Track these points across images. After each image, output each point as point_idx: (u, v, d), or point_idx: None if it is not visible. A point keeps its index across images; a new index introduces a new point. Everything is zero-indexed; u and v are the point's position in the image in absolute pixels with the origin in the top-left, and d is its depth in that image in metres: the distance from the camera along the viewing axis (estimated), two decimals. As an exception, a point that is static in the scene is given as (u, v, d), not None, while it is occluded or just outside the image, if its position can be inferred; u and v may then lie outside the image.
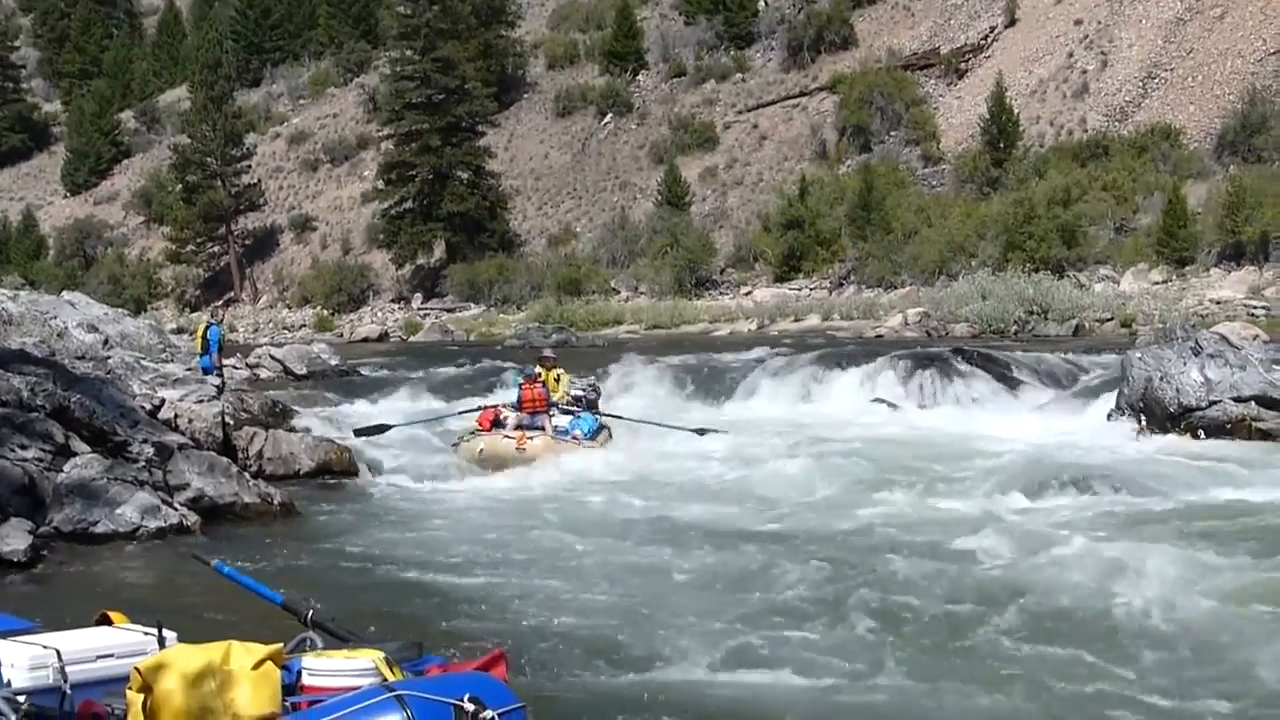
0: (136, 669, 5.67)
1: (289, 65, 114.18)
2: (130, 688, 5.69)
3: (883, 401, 29.04)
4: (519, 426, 22.79)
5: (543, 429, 22.74)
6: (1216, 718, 8.74)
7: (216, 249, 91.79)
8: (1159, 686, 9.42)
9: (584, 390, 25.68)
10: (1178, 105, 67.82)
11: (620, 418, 25.18)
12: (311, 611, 6.96)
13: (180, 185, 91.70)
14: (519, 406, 23.25)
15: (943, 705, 9.03)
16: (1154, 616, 11.19)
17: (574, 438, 22.93)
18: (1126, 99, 70.03)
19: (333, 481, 20.65)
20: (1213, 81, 67.64)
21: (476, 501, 19.09)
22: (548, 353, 26.14)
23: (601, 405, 25.88)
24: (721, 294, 69.16)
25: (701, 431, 24.42)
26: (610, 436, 24.08)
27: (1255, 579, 12.38)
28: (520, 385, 23.96)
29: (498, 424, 23.09)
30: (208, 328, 29.80)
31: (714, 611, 11.41)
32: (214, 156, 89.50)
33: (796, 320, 58.06)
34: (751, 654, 10.05)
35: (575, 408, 24.20)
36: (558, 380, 24.28)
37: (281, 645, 6.00)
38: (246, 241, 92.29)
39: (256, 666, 5.68)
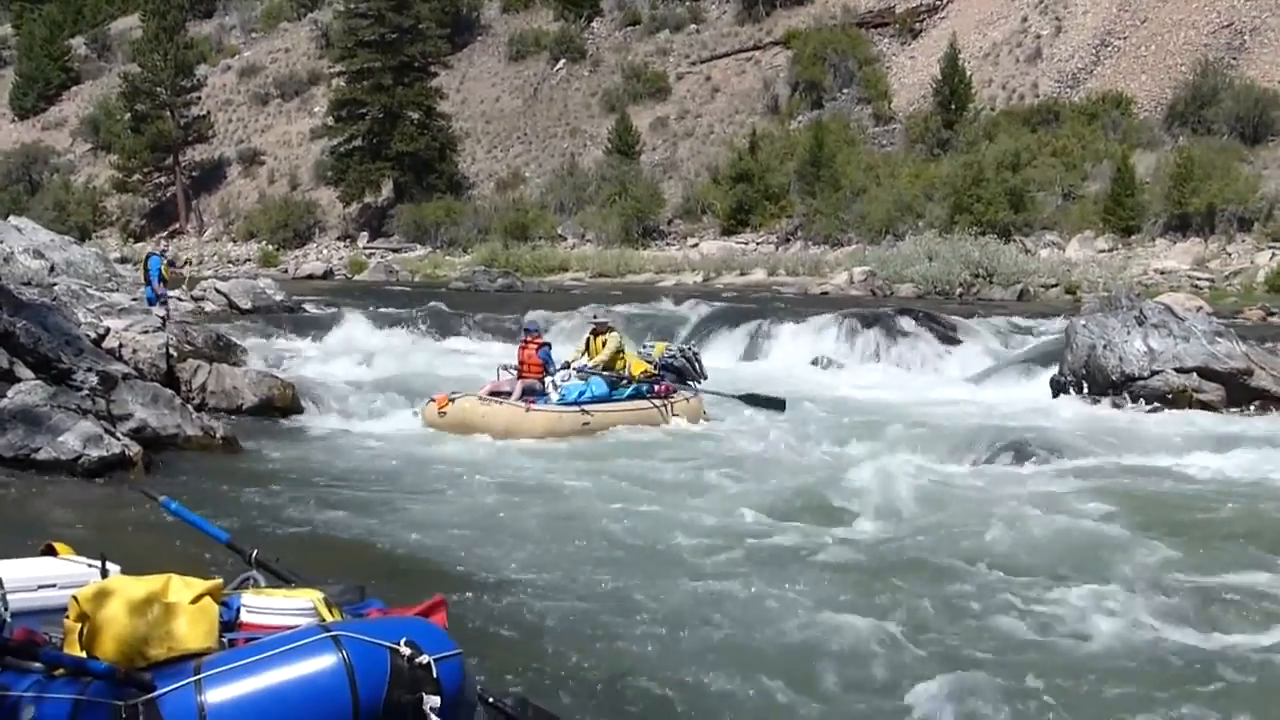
0: (74, 597, 5.65)
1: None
2: (68, 616, 5.68)
3: (825, 360, 29.08)
4: (494, 393, 20.42)
5: (533, 396, 20.45)
6: (1145, 684, 8.81)
7: (163, 179, 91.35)
8: (1087, 650, 9.50)
9: (671, 354, 22.93)
10: (1129, 74, 68.06)
11: (696, 390, 22.48)
12: (256, 551, 6.94)
13: (129, 114, 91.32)
14: (519, 370, 21.18)
15: (871, 667, 9.07)
16: (1087, 581, 11.28)
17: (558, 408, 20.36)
18: (1079, 65, 70.25)
19: (277, 418, 20.60)
20: (1165, 52, 67.90)
21: (420, 444, 19.07)
22: (601, 319, 23.54)
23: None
24: (668, 245, 69.22)
25: (782, 405, 22.18)
26: (667, 412, 21.40)
27: (1186, 545, 12.49)
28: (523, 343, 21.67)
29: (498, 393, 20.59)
30: (148, 258, 29.70)
31: (654, 570, 11.43)
32: (164, 87, 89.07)
33: (742, 274, 58.22)
34: (688, 609, 10.06)
35: (656, 377, 21.88)
36: (604, 346, 21.87)
37: (220, 581, 5.98)
38: (193, 173, 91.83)
39: (195, 601, 5.66)
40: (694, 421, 21.60)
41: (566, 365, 21.59)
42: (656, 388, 21.76)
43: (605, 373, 21.45)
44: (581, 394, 20.86)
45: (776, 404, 22.20)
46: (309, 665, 5.52)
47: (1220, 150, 57.39)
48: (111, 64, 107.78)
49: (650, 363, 22.30)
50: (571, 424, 20.19)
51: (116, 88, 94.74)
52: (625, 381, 21.57)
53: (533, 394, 20.61)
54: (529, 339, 21.45)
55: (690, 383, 22.74)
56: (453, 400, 19.96)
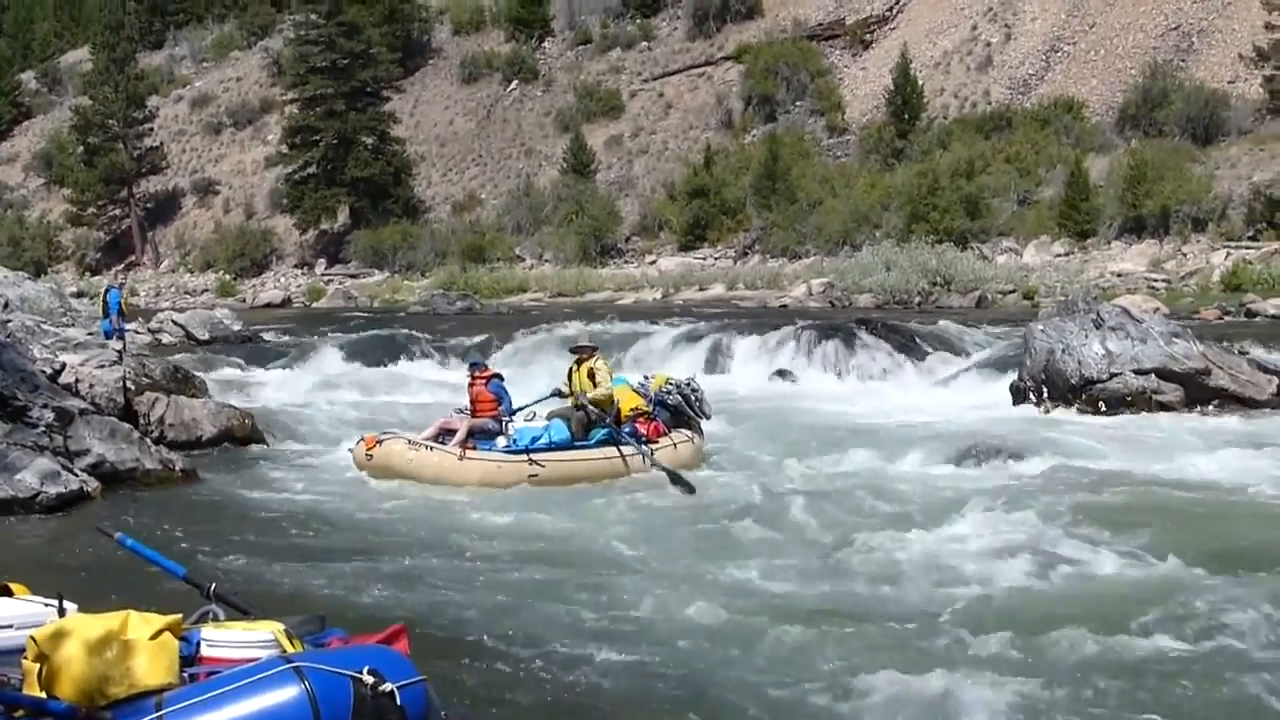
0: (32, 638, 5.62)
1: (192, 27, 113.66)
2: (26, 657, 5.64)
3: (785, 374, 29.11)
4: (444, 432, 18.11)
5: (491, 437, 18.08)
6: (1110, 685, 8.83)
7: (118, 212, 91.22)
8: (1051, 649, 9.52)
9: (667, 390, 19.68)
10: (1080, 79, 68.51)
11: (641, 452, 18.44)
12: (214, 584, 6.91)
13: (81, 147, 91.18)
14: (471, 409, 18.62)
15: (832, 673, 9.08)
16: (1048, 584, 11.33)
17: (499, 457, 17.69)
18: (1030, 72, 70.69)
19: (236, 449, 20.48)
20: (1115, 55, 68.38)
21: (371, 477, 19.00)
22: (584, 342, 19.87)
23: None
24: (626, 262, 69.29)
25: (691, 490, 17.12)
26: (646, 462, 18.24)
27: (1149, 545, 12.53)
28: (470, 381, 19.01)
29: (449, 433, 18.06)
30: (107, 291, 29.64)
31: (615, 592, 11.41)
32: (116, 119, 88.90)
33: (701, 289, 58.33)
34: (649, 635, 10.05)
35: (645, 412, 19.10)
36: (591, 377, 18.82)
37: (180, 616, 5.96)
38: (148, 205, 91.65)
39: (154, 637, 5.63)
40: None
41: (558, 392, 19.19)
42: (642, 429, 18.73)
43: (592, 409, 18.49)
44: (536, 439, 18.12)
45: (687, 487, 17.15)
46: (271, 697, 5.50)
47: (1172, 151, 57.70)
48: (62, 97, 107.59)
49: (644, 397, 19.34)
50: (514, 475, 17.37)
51: (68, 121, 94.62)
52: (609, 421, 18.59)
53: (487, 435, 18.10)
54: (475, 374, 18.91)
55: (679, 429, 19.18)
56: (380, 442, 17.47)
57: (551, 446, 18.12)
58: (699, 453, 19.29)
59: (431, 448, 17.50)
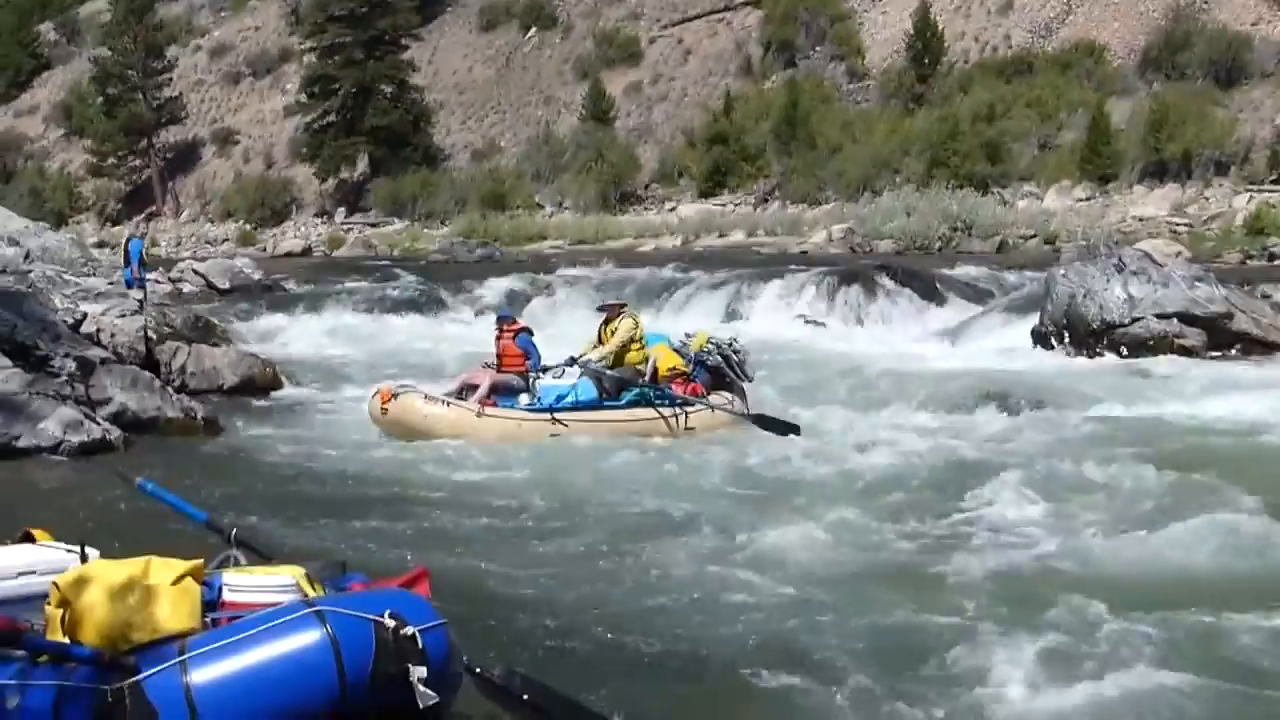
0: (55, 584, 5.65)
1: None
2: (49, 603, 5.66)
3: (807, 319, 29.07)
4: (466, 387, 17.36)
5: (515, 394, 17.29)
6: (1130, 629, 8.80)
7: (138, 163, 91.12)
8: (1080, 600, 9.47)
9: (707, 350, 18.48)
10: (1102, 22, 67.97)
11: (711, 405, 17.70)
12: (235, 529, 6.94)
13: (101, 98, 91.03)
14: (498, 364, 17.78)
15: (858, 628, 9.05)
16: (1078, 530, 11.29)
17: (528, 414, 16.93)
18: (1051, 15, 70.12)
19: (258, 397, 20.51)
20: (1137, -2, 67.80)
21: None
22: (612, 299, 19.72)
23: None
24: (646, 209, 69.15)
25: (797, 430, 16.71)
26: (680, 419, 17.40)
27: (1174, 490, 12.49)
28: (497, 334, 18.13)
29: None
30: (128, 241, 29.67)
31: (640, 541, 11.37)
32: (135, 69, 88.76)
33: (721, 236, 58.22)
34: (674, 580, 10.00)
35: (684, 373, 17.96)
36: (614, 334, 17.99)
37: (201, 561, 5.98)
38: (168, 155, 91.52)
39: (176, 582, 5.66)
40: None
41: (573, 361, 17.79)
42: (678, 390, 17.68)
43: (611, 370, 17.65)
44: (561, 398, 17.26)
45: (792, 429, 16.74)
46: (293, 641, 5.53)
47: (1195, 95, 57.46)
48: (81, 49, 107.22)
49: (684, 357, 18.20)
50: (534, 435, 16.51)
51: (87, 72, 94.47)
52: (644, 380, 17.64)
53: (511, 391, 17.31)
54: (504, 327, 17.97)
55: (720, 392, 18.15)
56: (395, 396, 16.63)
57: (578, 406, 17.21)
58: (729, 418, 17.77)
59: (449, 403, 16.69)
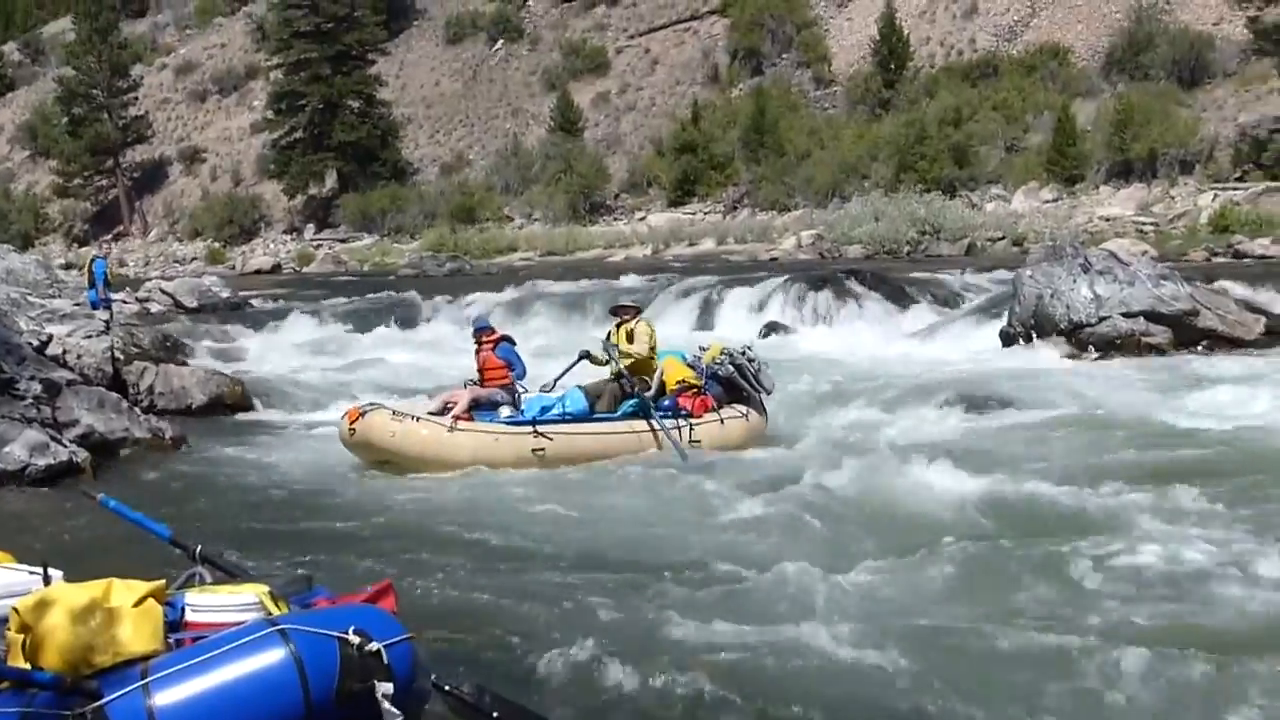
0: (14, 608, 5.60)
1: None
2: (9, 628, 5.62)
3: (777, 325, 29.09)
4: (444, 410, 15.86)
5: (498, 409, 16.03)
6: (1100, 620, 8.84)
7: (104, 182, 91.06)
8: (1045, 591, 9.52)
9: (719, 361, 17.39)
10: (1065, 24, 68.37)
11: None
12: (200, 546, 6.90)
13: (66, 118, 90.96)
14: (480, 379, 16.64)
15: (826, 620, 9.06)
16: (1038, 521, 11.33)
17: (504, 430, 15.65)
18: (1015, 18, 70.51)
19: (227, 416, 20.44)
20: (1100, 0, 68.12)
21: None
22: (625, 300, 18.47)
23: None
24: (616, 219, 69.30)
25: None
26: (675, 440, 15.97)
27: (1141, 480, 12.55)
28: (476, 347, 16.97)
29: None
30: (92, 261, 29.60)
31: (600, 551, 11.37)
32: (100, 88, 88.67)
33: (691, 244, 58.40)
34: (639, 598, 9.96)
35: (694, 386, 16.86)
36: (631, 340, 16.92)
37: (164, 582, 5.94)
38: (135, 174, 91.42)
39: (138, 603, 5.61)
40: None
41: (587, 355, 16.85)
42: (685, 403, 16.60)
43: (628, 379, 16.45)
44: (547, 409, 16.09)
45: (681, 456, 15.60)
46: (257, 661, 5.49)
47: (1158, 95, 57.84)
48: (45, 68, 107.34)
49: (694, 369, 17.13)
50: (513, 450, 15.37)
51: (52, 92, 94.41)
52: (652, 391, 16.54)
53: (494, 406, 16.05)
54: (482, 338, 16.80)
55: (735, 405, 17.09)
56: (363, 414, 15.33)
57: (565, 419, 16.02)
58: (752, 432, 16.94)
59: (418, 419, 15.40)
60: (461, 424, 15.43)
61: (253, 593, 6.01)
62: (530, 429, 15.59)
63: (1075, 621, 8.86)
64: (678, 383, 16.75)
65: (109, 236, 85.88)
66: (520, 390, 16.45)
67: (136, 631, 5.56)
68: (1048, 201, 55.01)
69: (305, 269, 66.51)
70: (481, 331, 16.95)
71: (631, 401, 16.36)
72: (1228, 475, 12.96)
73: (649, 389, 16.51)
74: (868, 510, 12.18)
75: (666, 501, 13.42)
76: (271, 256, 72.40)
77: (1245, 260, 36.91)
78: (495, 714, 6.27)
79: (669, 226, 63.41)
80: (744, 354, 17.49)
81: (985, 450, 14.91)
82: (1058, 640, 8.47)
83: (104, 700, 5.32)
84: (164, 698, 5.35)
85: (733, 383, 17.13)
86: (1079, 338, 22.68)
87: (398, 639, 5.81)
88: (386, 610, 6.15)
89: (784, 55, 76.91)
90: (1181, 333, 22.53)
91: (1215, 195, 49.92)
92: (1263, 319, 23.36)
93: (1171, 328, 22.51)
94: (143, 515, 7.32)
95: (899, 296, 30.02)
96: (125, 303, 34.98)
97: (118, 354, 20.17)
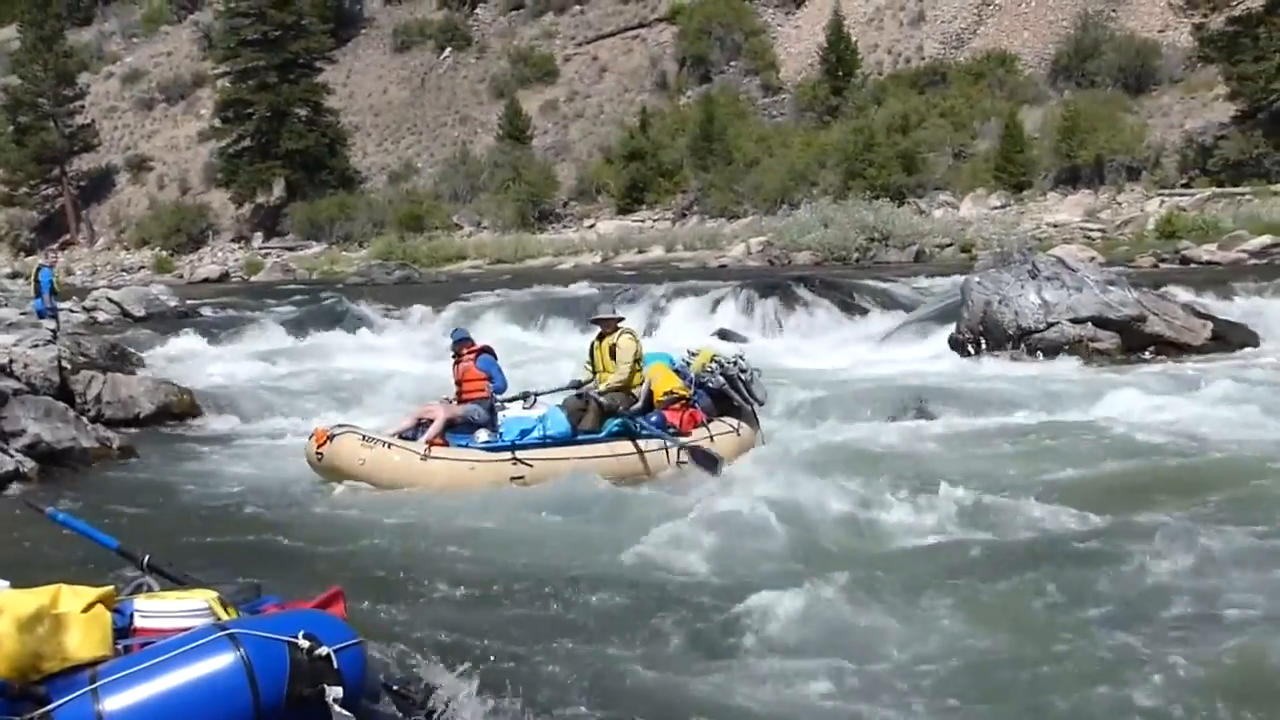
0: (-40, 617, 5.58)
1: (121, 2, 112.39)
2: (-44, 636, 5.59)
3: (726, 333, 29.09)
4: (421, 423, 15.20)
5: (475, 428, 15.21)
6: (1051, 623, 8.90)
7: (51, 191, 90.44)
8: (995, 591, 9.58)
9: (710, 370, 16.53)
10: (1012, 31, 68.76)
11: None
12: (148, 555, 6.88)
13: (12, 127, 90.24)
14: (457, 395, 15.73)
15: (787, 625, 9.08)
16: (992, 529, 11.39)
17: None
18: (962, 26, 70.87)
19: (175, 425, 20.31)
20: (1046, 7, 68.67)
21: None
22: (604, 311, 16.74)
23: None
24: (565, 227, 69.39)
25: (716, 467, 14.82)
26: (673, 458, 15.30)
27: (1089, 486, 12.68)
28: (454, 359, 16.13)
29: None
30: (38, 270, 29.41)
31: (553, 553, 11.39)
32: (46, 97, 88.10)
33: (640, 252, 58.41)
34: (591, 596, 9.98)
35: (680, 398, 15.94)
36: (613, 356, 15.98)
37: (113, 588, 5.94)
38: (82, 183, 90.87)
39: (86, 609, 5.61)
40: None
41: (578, 385, 16.01)
42: (673, 419, 15.72)
43: (603, 399, 15.61)
44: (526, 432, 15.22)
45: (711, 463, 14.91)
46: (206, 666, 5.49)
47: (1105, 102, 58.31)
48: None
49: (682, 376, 16.33)
50: (490, 478, 14.54)
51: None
52: (636, 406, 15.63)
53: (472, 426, 15.22)
54: (462, 350, 15.94)
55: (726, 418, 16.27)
56: (331, 438, 14.58)
57: (545, 441, 15.14)
58: (743, 447, 16.04)
59: (390, 444, 14.59)
60: (436, 450, 14.65)
61: (202, 598, 6.01)
62: (509, 455, 14.79)
63: (1048, 636, 8.91)
64: (665, 394, 15.85)
65: (55, 245, 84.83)
66: (500, 406, 15.66)
67: (85, 637, 5.56)
68: (995, 208, 55.33)
69: (253, 277, 66.24)
70: (461, 343, 16.05)
71: (616, 421, 15.43)
72: (1173, 480, 13.09)
73: (636, 402, 15.63)
74: (827, 528, 12.16)
75: (651, 533, 12.05)
76: (219, 265, 72.11)
77: (1192, 266, 37.12)
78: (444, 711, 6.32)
79: (618, 234, 63.47)
80: (735, 364, 16.65)
81: (934, 456, 14.99)
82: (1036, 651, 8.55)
83: (52, 706, 5.32)
84: (113, 703, 5.35)
85: (723, 394, 16.33)
86: (1027, 344, 22.76)
87: (347, 643, 5.82)
88: (336, 615, 6.16)
89: (732, 63, 77.10)
90: (1129, 338, 22.67)
91: (1162, 201, 50.33)
92: (1209, 324, 23.53)
93: (1119, 333, 22.65)
94: (90, 526, 7.30)
95: (848, 303, 30.05)
96: (72, 312, 34.81)
97: (65, 363, 20.03)
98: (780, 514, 12.18)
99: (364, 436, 14.62)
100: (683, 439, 15.40)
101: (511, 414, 15.71)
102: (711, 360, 16.60)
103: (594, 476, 14.33)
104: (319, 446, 14.58)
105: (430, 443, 14.65)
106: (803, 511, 12.39)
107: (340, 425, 15.08)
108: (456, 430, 15.08)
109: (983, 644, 8.66)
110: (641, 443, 15.25)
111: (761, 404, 16.70)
